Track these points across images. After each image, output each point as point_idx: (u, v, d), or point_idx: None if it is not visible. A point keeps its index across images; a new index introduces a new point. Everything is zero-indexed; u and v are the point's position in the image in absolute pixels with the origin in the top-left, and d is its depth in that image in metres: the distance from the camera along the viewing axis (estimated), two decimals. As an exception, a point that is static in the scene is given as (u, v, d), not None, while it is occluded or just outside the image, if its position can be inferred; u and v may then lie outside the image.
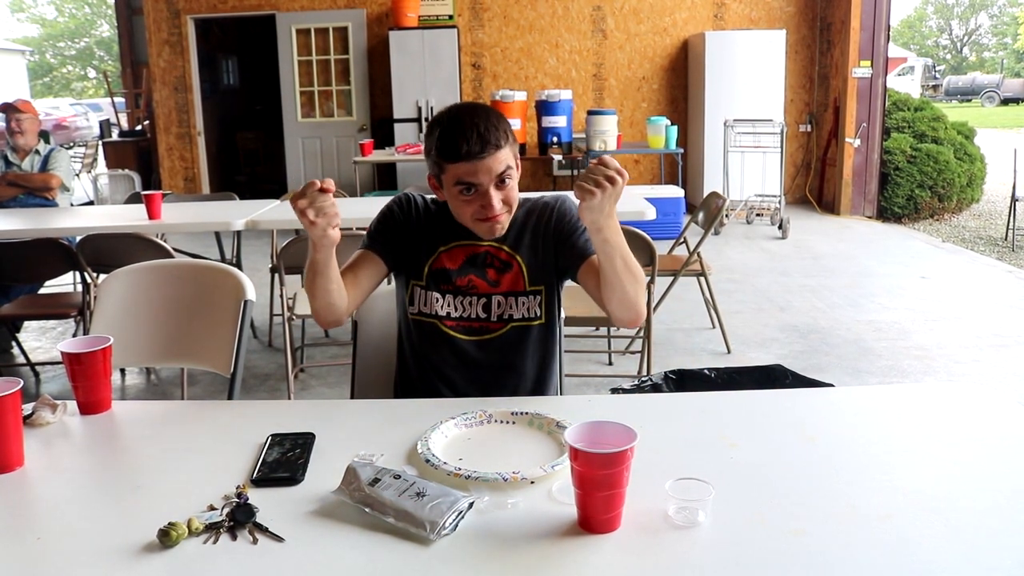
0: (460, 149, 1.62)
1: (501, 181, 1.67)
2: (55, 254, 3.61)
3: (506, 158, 1.66)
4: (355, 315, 2.01)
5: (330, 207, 1.49)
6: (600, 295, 1.66)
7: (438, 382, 1.78)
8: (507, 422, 1.47)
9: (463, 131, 1.62)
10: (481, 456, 1.34)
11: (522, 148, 7.70)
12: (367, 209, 4.53)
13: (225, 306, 1.97)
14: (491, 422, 1.47)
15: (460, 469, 1.26)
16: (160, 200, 3.88)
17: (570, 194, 1.70)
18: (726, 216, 7.66)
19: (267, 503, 1.19)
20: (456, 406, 1.53)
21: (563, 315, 1.91)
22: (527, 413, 1.48)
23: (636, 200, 4.13)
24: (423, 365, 1.81)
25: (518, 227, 1.78)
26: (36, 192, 4.82)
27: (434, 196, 1.83)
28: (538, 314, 1.78)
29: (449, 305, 1.76)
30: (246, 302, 1.96)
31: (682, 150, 7.81)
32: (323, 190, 1.48)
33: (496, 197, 1.66)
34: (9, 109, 4.87)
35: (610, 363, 4.18)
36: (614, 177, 1.43)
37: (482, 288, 1.76)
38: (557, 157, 7.81)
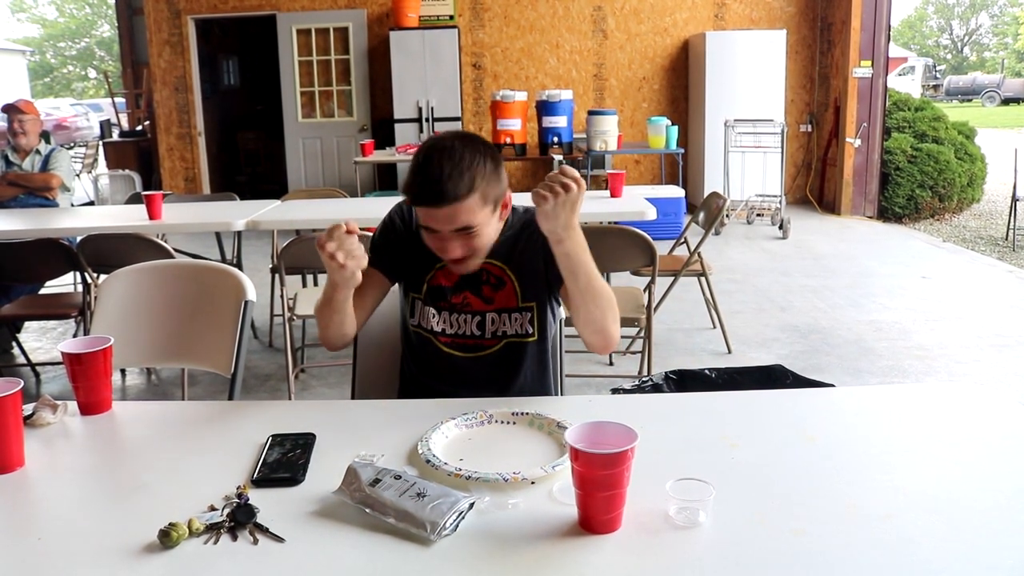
0: (420, 193, 1.57)
1: (465, 231, 1.61)
2: (56, 254, 3.61)
3: (467, 212, 1.58)
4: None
5: (357, 249, 1.50)
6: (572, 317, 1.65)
7: (436, 396, 1.77)
8: (508, 422, 1.47)
9: (427, 176, 1.56)
10: (482, 456, 1.34)
11: (522, 148, 7.69)
12: (368, 209, 4.54)
13: (225, 306, 1.97)
14: (492, 422, 1.47)
15: (461, 469, 1.26)
16: (160, 200, 3.88)
17: None
18: (727, 216, 7.66)
19: (267, 503, 1.19)
20: (457, 407, 1.53)
21: (563, 315, 1.91)
22: (528, 413, 1.48)
23: (637, 200, 4.13)
24: (422, 378, 1.81)
25: (512, 242, 1.77)
26: (37, 192, 4.82)
27: None
28: (530, 331, 1.77)
29: (444, 322, 1.76)
30: (246, 302, 1.96)
31: (683, 150, 7.80)
32: (349, 231, 1.48)
33: (455, 244, 1.62)
34: (11, 110, 4.88)
35: (611, 363, 4.18)
36: (568, 184, 1.42)
37: (476, 306, 1.75)
38: (558, 157, 7.80)
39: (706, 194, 4.66)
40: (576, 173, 1.45)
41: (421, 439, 1.38)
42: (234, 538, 1.12)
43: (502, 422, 1.48)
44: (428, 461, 1.30)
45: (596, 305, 1.58)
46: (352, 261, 1.49)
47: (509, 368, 1.77)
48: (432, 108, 8.31)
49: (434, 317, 1.76)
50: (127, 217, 4.04)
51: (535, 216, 1.73)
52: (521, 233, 1.77)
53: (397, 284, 1.85)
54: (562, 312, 1.89)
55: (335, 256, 1.48)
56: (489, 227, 1.66)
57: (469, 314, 1.75)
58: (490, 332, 1.76)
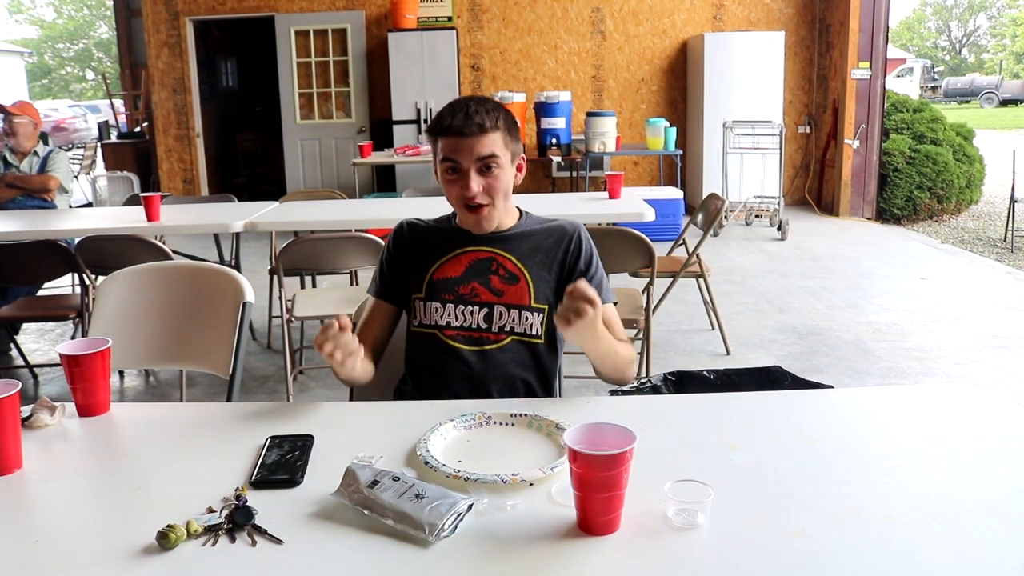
0: (444, 122, 1.68)
1: (486, 168, 1.68)
2: (54, 256, 3.61)
3: (492, 144, 1.67)
4: (354, 317, 2.01)
5: (352, 343, 1.51)
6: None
7: (435, 394, 1.78)
8: (506, 424, 1.47)
9: (453, 107, 1.69)
10: (480, 458, 1.34)
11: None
12: (366, 211, 4.54)
13: (224, 308, 1.97)
14: (490, 424, 1.47)
15: (459, 471, 1.26)
16: (159, 202, 3.87)
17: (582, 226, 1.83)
18: (725, 218, 7.67)
19: (266, 505, 1.19)
20: (456, 408, 1.53)
21: None
22: (526, 415, 1.48)
23: (635, 201, 4.13)
24: (422, 377, 1.81)
25: (532, 242, 1.80)
26: (35, 194, 4.81)
27: (434, 218, 1.88)
28: (539, 333, 1.77)
29: (450, 314, 1.76)
30: (245, 304, 1.96)
31: (681, 151, 7.81)
32: (342, 328, 1.49)
33: (475, 181, 1.68)
34: (4, 112, 4.87)
35: (609, 364, 4.17)
36: (583, 310, 1.43)
37: (484, 297, 1.76)
38: (556, 159, 7.81)
39: (704, 195, 4.66)
40: (590, 292, 1.44)
41: (420, 441, 1.37)
42: (232, 540, 1.12)
43: (500, 423, 1.47)
44: (427, 463, 1.30)
45: (616, 368, 1.69)
46: (350, 358, 1.51)
47: (513, 365, 1.77)
48: (431, 109, 8.30)
49: (438, 311, 1.77)
50: (125, 219, 4.04)
51: (559, 227, 1.83)
52: (544, 237, 1.81)
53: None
54: None
55: (333, 355, 1.49)
56: (507, 175, 1.73)
57: (476, 305, 1.76)
58: (496, 326, 1.76)
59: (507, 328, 1.76)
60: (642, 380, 2.08)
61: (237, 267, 4.63)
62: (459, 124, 1.66)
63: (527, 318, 1.76)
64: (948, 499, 1.19)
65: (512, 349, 1.76)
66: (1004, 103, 31.31)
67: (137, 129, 10.73)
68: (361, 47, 8.76)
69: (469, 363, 1.76)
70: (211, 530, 1.13)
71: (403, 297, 1.84)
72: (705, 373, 2.09)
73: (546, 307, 1.78)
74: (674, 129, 7.30)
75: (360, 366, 1.62)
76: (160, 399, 3.94)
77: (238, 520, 1.14)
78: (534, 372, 1.79)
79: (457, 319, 1.76)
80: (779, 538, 1.10)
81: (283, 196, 5.19)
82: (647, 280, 3.47)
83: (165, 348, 2.04)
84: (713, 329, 4.56)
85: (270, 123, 10.00)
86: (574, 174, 8.31)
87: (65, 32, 38.42)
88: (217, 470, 1.33)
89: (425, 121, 8.31)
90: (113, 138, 11.09)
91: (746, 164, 7.78)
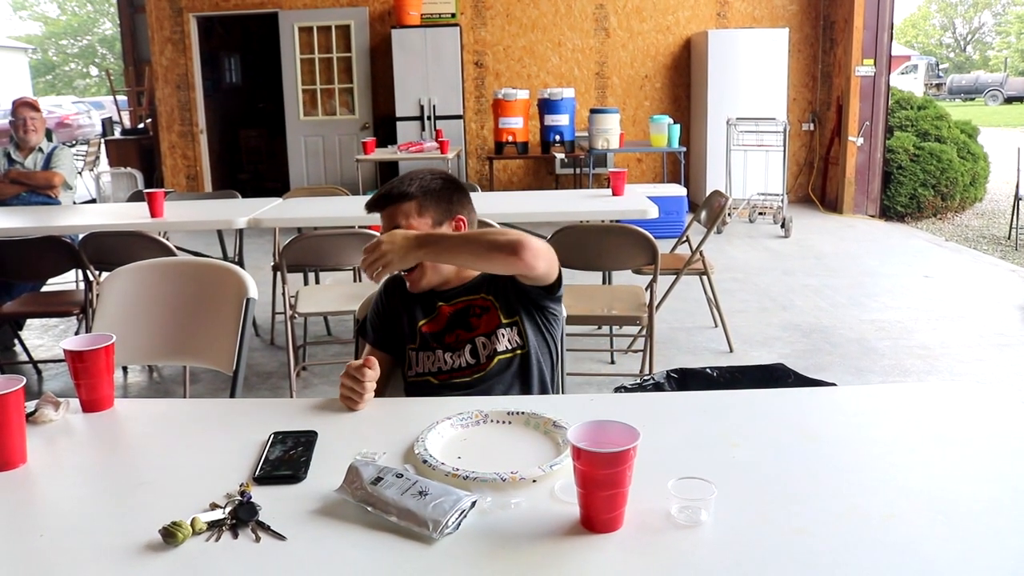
0: (369, 202, 1.85)
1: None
2: (58, 252, 3.62)
3: (404, 212, 1.79)
4: (358, 314, 2.02)
5: (368, 394, 1.59)
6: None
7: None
8: (503, 422, 1.47)
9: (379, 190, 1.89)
10: (479, 456, 1.34)
11: (524, 147, 7.70)
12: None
13: (227, 304, 1.98)
14: (487, 422, 1.47)
15: (458, 469, 1.26)
16: (162, 198, 3.88)
17: None
18: (728, 215, 7.66)
19: (269, 501, 1.19)
20: (460, 404, 1.53)
21: (565, 314, 1.91)
22: (523, 413, 1.47)
23: (638, 198, 4.13)
24: None
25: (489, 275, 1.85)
26: (39, 190, 4.83)
27: None
28: (520, 343, 1.81)
29: (440, 360, 1.81)
30: (248, 300, 1.96)
31: (685, 149, 7.80)
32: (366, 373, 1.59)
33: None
34: (25, 107, 4.89)
35: (612, 362, 4.18)
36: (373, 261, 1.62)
37: (464, 336, 1.81)
38: (559, 156, 7.81)
39: (708, 193, 4.65)
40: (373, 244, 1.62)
41: (417, 439, 1.37)
42: (235, 536, 1.12)
43: (497, 421, 1.47)
44: (425, 461, 1.30)
45: (492, 260, 1.66)
46: (360, 401, 1.58)
47: (500, 382, 1.79)
48: (434, 106, 8.31)
49: (429, 358, 1.82)
50: (129, 215, 4.04)
51: None
52: None
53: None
54: (564, 310, 1.90)
55: (351, 399, 1.59)
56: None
57: (460, 348, 1.81)
58: (484, 356, 1.80)
59: (490, 354, 1.79)
60: (645, 377, 2.08)
61: (240, 263, 4.63)
62: (371, 203, 1.82)
63: (503, 335, 1.79)
64: (951, 497, 1.19)
65: (501, 367, 1.79)
66: (1009, 100, 31.19)
67: (141, 125, 10.74)
68: (364, 43, 8.76)
69: (463, 392, 1.79)
70: (215, 526, 1.14)
71: (397, 346, 1.88)
72: (708, 370, 2.09)
73: (517, 319, 1.81)
74: (678, 126, 7.29)
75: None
76: (163, 395, 3.95)
77: (242, 516, 1.15)
78: (528, 379, 1.81)
79: (447, 364, 1.81)
80: (782, 535, 1.10)
81: (286, 193, 5.19)
82: (650, 277, 3.47)
83: (168, 344, 2.04)
84: (716, 326, 4.55)
85: (274, 119, 10.00)
86: (577, 171, 8.30)
87: (69, 28, 38.44)
88: (221, 466, 1.33)
89: (429, 118, 8.32)
90: (117, 134, 11.10)
91: (750, 161, 7.76)
